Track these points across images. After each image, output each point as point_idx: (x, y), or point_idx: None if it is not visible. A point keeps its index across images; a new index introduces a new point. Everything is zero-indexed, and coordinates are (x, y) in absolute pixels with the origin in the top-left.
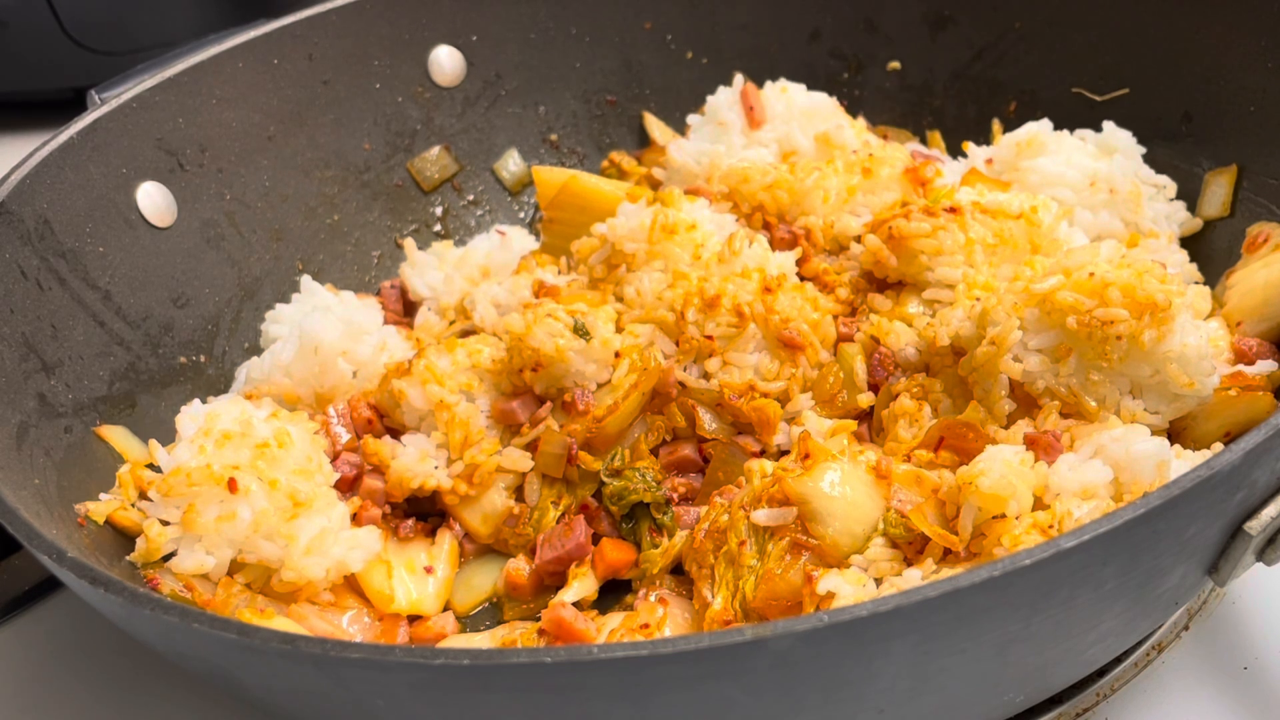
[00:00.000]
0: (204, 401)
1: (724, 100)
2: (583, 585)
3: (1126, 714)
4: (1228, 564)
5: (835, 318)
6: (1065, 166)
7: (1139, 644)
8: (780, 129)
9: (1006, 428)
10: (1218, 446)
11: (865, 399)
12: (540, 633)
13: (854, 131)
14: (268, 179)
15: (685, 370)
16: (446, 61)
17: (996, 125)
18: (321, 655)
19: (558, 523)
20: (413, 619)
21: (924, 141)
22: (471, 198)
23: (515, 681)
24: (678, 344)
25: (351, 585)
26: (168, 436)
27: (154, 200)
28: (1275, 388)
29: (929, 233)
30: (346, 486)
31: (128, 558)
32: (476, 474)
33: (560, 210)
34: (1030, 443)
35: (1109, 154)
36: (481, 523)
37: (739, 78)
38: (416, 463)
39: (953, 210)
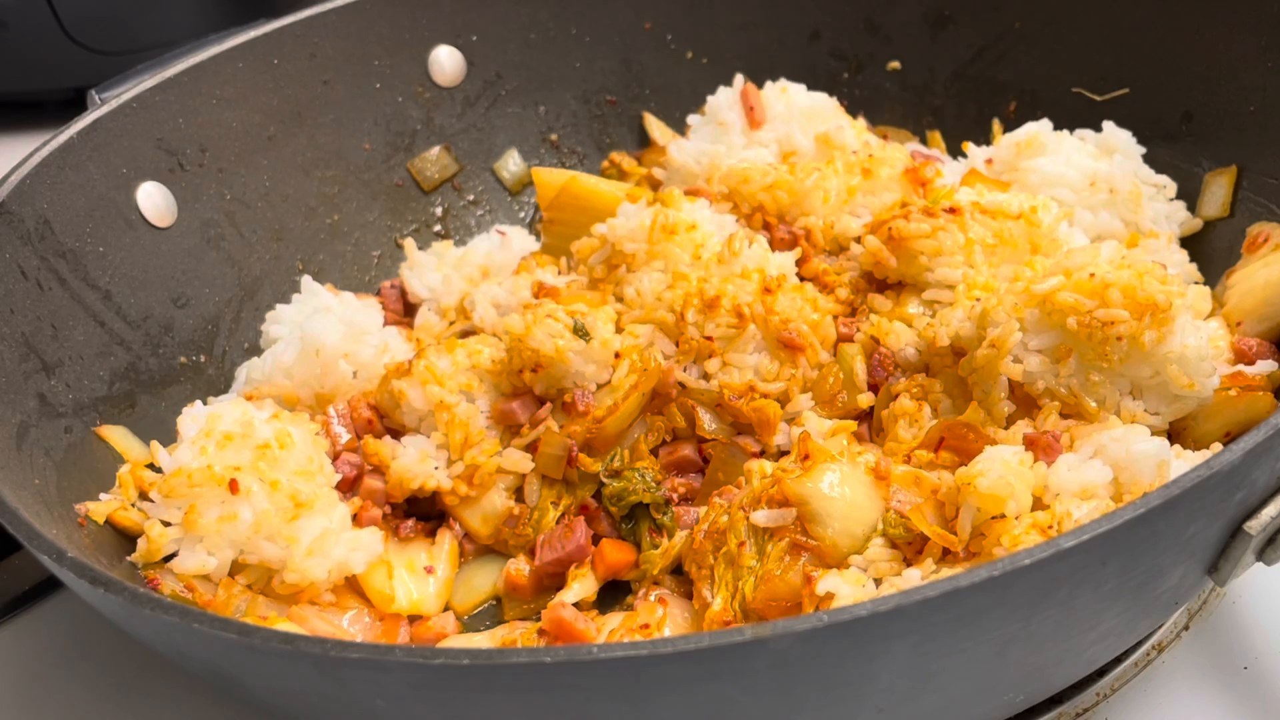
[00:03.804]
0: (205, 402)
1: (724, 100)
2: (583, 586)
3: (1126, 714)
4: (1228, 564)
5: (835, 318)
6: (1065, 166)
7: (1139, 644)
8: (780, 129)
9: (1006, 428)
10: (1217, 446)
11: (865, 399)
12: (540, 633)
13: (854, 132)
14: (268, 179)
15: (685, 371)
16: (446, 61)
17: (996, 125)
18: (321, 655)
19: (557, 523)
20: (413, 619)
21: (924, 141)
22: (471, 198)
23: (515, 681)
24: (677, 345)
25: (352, 585)
26: (168, 437)
27: (154, 200)
28: (1275, 388)
29: (929, 233)
30: (347, 487)
31: (128, 558)
32: (477, 475)
33: (560, 211)
34: (1030, 443)
35: (1109, 154)
36: (481, 523)
37: (739, 78)
38: (417, 463)
39: (952, 211)
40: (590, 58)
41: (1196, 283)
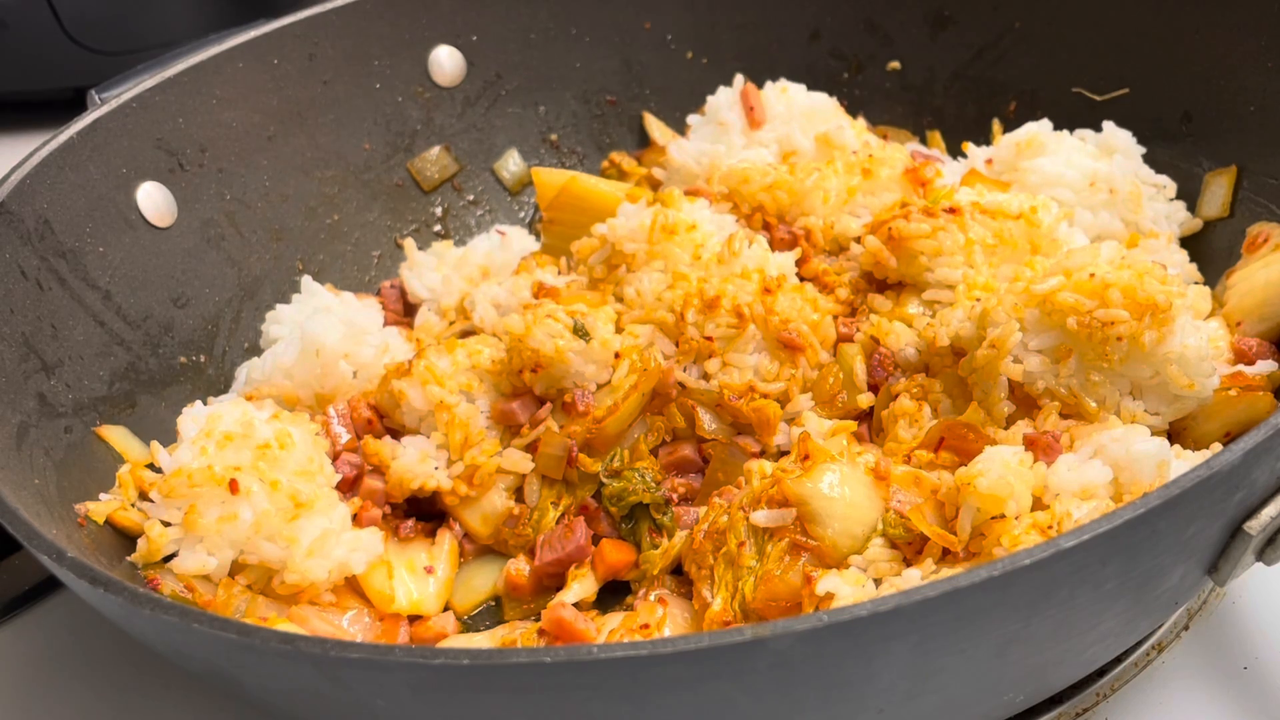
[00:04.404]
0: (205, 402)
1: (724, 100)
2: (582, 586)
3: (1126, 714)
4: (1228, 564)
5: (835, 318)
6: (1065, 167)
7: (1139, 644)
8: (780, 129)
9: (1006, 428)
10: (1217, 446)
11: (865, 399)
12: (540, 633)
13: (854, 132)
14: (268, 179)
15: (685, 371)
16: (446, 61)
17: (996, 125)
18: (321, 655)
19: (557, 523)
20: (413, 619)
21: (924, 141)
22: (471, 198)
23: (515, 681)
24: (677, 345)
25: (352, 585)
26: (168, 437)
27: (154, 200)
28: (1275, 388)
29: (929, 233)
30: (347, 487)
31: (128, 558)
32: (477, 475)
33: (560, 211)
34: (1030, 443)
35: (1109, 154)
36: (481, 523)
37: (739, 78)
38: (417, 463)
39: (952, 211)
40: (590, 58)
41: (1196, 283)
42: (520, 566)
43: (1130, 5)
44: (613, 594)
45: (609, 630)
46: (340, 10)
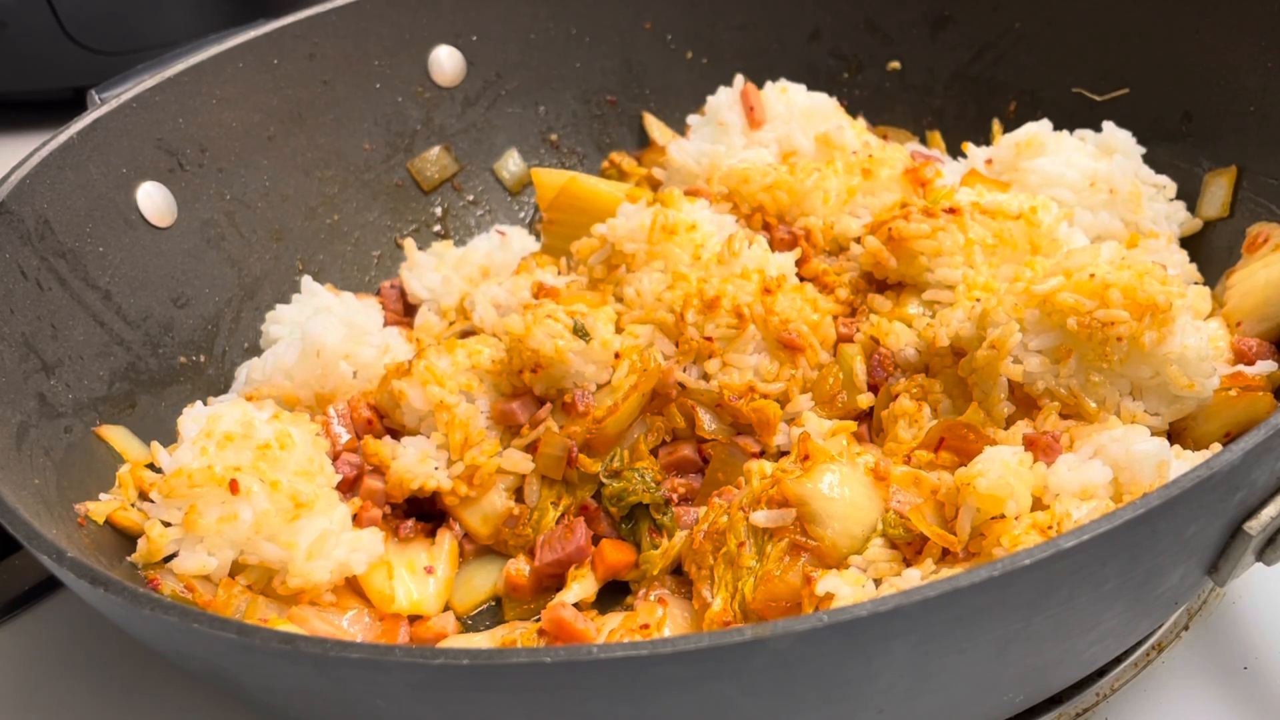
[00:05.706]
0: (205, 402)
1: (724, 100)
2: (582, 586)
3: (1126, 714)
4: (1228, 564)
5: (835, 318)
6: (1065, 167)
7: (1139, 644)
8: (780, 129)
9: (1006, 429)
10: (1217, 446)
11: (865, 400)
12: (540, 633)
13: (854, 132)
14: (268, 179)
15: (685, 371)
16: (446, 61)
17: (996, 125)
18: (321, 655)
19: (557, 523)
20: (413, 619)
21: (924, 141)
22: (471, 198)
23: (515, 681)
24: (677, 345)
25: (352, 585)
26: (168, 437)
27: (154, 200)
28: (1275, 388)
29: (929, 234)
30: (347, 487)
31: (129, 558)
32: (477, 475)
33: (560, 212)
34: (1029, 443)
35: (1109, 154)
36: (481, 523)
37: (739, 78)
38: (417, 464)
39: (952, 211)
40: (590, 58)
41: (1196, 283)
42: (520, 566)
43: (1130, 5)
44: (613, 594)
45: (609, 630)
46: (340, 10)
